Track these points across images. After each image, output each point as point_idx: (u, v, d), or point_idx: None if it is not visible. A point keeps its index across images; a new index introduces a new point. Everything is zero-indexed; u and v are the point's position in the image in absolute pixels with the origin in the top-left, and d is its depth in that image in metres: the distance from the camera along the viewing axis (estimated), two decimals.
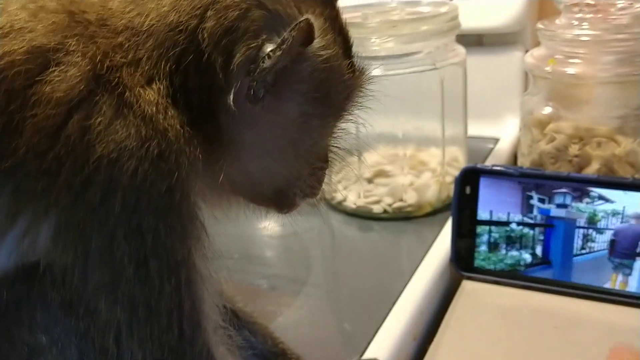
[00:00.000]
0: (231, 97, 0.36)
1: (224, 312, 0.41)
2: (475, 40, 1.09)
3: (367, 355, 0.55)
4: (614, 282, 0.62)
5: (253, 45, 0.36)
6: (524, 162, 0.74)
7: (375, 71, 0.77)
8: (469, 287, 0.67)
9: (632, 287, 0.61)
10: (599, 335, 0.58)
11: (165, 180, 0.34)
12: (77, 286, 0.34)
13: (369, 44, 0.78)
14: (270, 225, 0.87)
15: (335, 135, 0.45)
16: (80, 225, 0.33)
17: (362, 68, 0.43)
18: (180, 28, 0.36)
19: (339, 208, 0.87)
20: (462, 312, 0.63)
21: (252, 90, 0.36)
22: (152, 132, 0.33)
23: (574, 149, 0.65)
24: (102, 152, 0.33)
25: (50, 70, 0.33)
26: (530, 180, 0.64)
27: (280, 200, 0.44)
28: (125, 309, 0.34)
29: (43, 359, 0.34)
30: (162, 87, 0.35)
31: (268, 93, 0.37)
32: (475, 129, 1.00)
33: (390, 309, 0.61)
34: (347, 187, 0.87)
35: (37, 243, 0.34)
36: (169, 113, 0.35)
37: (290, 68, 0.37)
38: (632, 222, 0.61)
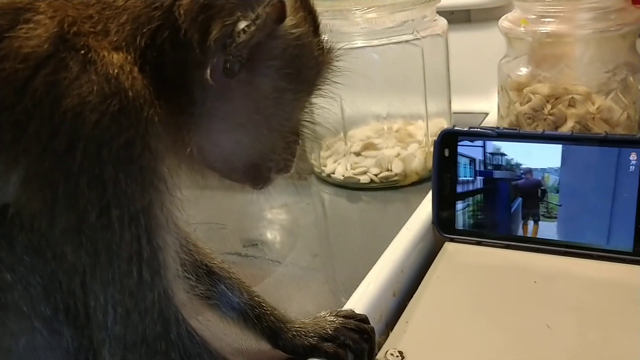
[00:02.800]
0: (208, 71, 0.38)
1: (185, 262, 0.43)
2: (464, 18, 1.10)
3: (345, 307, 0.56)
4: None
5: (229, 22, 0.37)
6: (502, 124, 0.75)
7: (358, 42, 0.80)
8: (451, 248, 0.69)
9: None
10: (576, 289, 0.59)
11: (124, 134, 0.35)
12: (45, 231, 0.36)
13: (351, 15, 0.80)
14: (260, 197, 0.89)
15: (307, 110, 0.47)
16: (48, 173, 0.35)
17: (331, 46, 0.45)
18: (156, 5, 0.38)
19: (328, 181, 0.89)
20: (443, 271, 0.65)
21: (228, 64, 0.38)
22: (114, 90, 0.35)
23: (548, 108, 0.66)
24: (67, 106, 0.34)
25: (19, 27, 0.35)
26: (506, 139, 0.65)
27: (254, 175, 0.46)
28: (89, 253, 0.36)
29: (9, 296, 0.36)
30: (129, 57, 0.37)
31: (243, 68, 0.39)
32: (465, 104, 1.01)
33: (371, 267, 0.63)
34: (337, 160, 0.89)
35: (7, 190, 0.36)
36: (133, 75, 0.36)
37: (264, 44, 0.39)
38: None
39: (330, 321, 0.51)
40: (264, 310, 0.52)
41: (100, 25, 0.37)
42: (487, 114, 1.05)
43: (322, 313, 0.53)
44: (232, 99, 0.40)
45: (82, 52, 0.36)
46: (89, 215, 0.35)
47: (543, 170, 0.65)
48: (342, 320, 0.51)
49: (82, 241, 0.36)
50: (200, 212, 0.85)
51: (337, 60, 0.46)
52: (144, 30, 0.37)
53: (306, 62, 0.42)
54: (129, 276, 0.36)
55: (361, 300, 0.57)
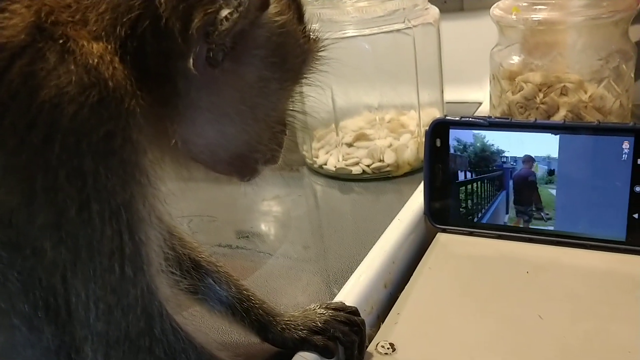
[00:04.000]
0: (191, 60, 0.37)
1: (169, 256, 0.42)
2: (457, 6, 1.09)
3: (336, 300, 0.56)
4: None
5: (211, 9, 0.36)
6: (494, 113, 0.74)
7: (349, 32, 0.79)
8: (443, 239, 0.68)
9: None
10: (568, 279, 0.59)
11: (104, 126, 0.34)
12: (23, 226, 0.35)
13: (342, 4, 0.79)
14: (251, 189, 0.89)
15: (294, 100, 0.46)
16: (25, 166, 0.34)
17: (317, 34, 0.44)
18: None
19: (320, 172, 0.88)
20: (435, 262, 0.64)
21: (211, 53, 0.37)
22: (94, 80, 0.34)
23: (540, 97, 0.65)
24: (45, 97, 0.33)
25: None
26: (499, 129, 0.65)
27: (241, 167, 0.45)
28: (69, 249, 0.35)
29: None
30: (109, 47, 0.36)
31: (227, 57, 0.38)
32: (459, 94, 1.01)
33: (363, 259, 0.62)
34: (329, 151, 0.88)
35: None
36: (113, 65, 0.35)
37: (248, 32, 0.38)
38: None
39: (320, 314, 0.50)
40: (253, 303, 0.51)
41: (78, 14, 0.36)
42: (480, 103, 1.04)
43: (312, 306, 0.52)
44: (216, 89, 0.39)
45: (60, 41, 0.35)
46: (69, 210, 0.34)
47: (535, 159, 0.64)
48: (332, 313, 0.51)
49: (61, 236, 0.35)
50: (191, 204, 0.84)
51: (323, 49, 0.45)
52: (124, 20, 0.36)
53: (291, 50, 0.41)
54: (111, 272, 0.36)
55: (352, 291, 0.57)
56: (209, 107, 0.39)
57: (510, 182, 0.66)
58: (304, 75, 0.44)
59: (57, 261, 0.35)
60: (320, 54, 0.45)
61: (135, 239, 0.36)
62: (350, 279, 0.59)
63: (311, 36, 0.44)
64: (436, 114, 0.89)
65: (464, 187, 0.68)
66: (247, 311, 0.51)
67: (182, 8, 0.36)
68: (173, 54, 0.37)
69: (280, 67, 0.41)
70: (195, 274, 0.50)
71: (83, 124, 0.34)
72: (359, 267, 0.61)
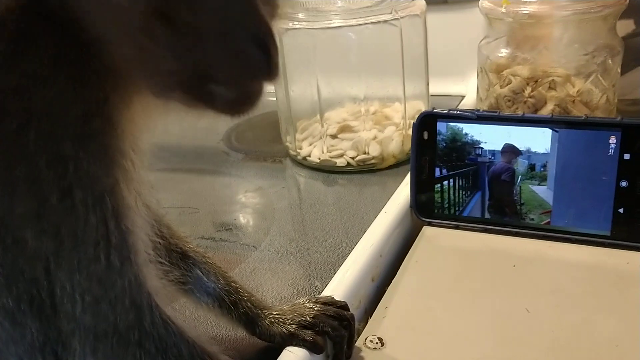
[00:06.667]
0: None
1: (158, 245, 0.40)
2: None
3: (323, 294, 0.55)
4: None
5: None
6: (482, 106, 0.74)
7: (335, 21, 0.78)
8: (429, 232, 0.68)
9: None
10: (554, 272, 0.59)
11: (80, 106, 0.33)
12: (3, 216, 0.33)
13: None
14: (235, 182, 0.88)
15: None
16: (3, 154, 0.32)
17: None
18: None
19: (304, 164, 0.87)
20: (422, 255, 0.64)
21: None
22: (63, 59, 0.33)
23: (528, 91, 0.65)
24: (12, 82, 0.32)
25: None
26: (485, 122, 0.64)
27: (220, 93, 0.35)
28: (52, 239, 0.33)
29: None
30: None
31: None
32: (442, 87, 1.01)
33: (349, 253, 0.62)
34: (312, 143, 0.87)
35: None
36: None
37: None
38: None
39: (309, 308, 0.50)
40: (241, 296, 0.50)
41: None
42: (463, 96, 1.04)
43: (301, 300, 0.51)
44: None
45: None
46: (50, 198, 0.33)
47: (521, 152, 0.64)
48: (321, 307, 0.50)
49: (43, 226, 0.33)
50: (173, 195, 0.83)
51: None
52: None
53: None
54: (97, 262, 0.34)
55: (340, 286, 0.56)
56: None
57: (496, 175, 0.66)
58: None
59: (39, 252, 0.33)
60: None
61: (122, 227, 0.35)
62: (337, 272, 0.58)
63: None
64: (421, 106, 0.88)
65: (447, 180, 0.67)
66: (234, 304, 0.49)
67: None
68: None
69: None
70: (182, 264, 0.49)
71: (57, 107, 0.32)
72: (346, 261, 0.60)
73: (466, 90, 1.05)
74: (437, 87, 0.97)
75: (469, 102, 1.01)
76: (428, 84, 0.88)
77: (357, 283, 0.58)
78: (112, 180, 0.34)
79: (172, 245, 0.48)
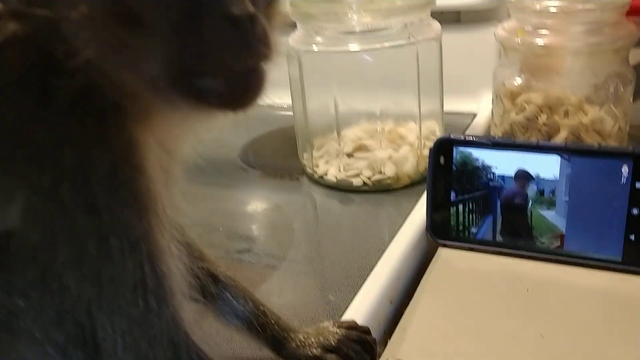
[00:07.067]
0: None
1: (194, 284, 0.42)
2: (453, 18, 1.11)
3: (344, 318, 0.57)
4: None
5: None
6: (496, 132, 0.76)
7: (353, 46, 0.80)
8: (445, 254, 0.70)
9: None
10: (568, 297, 0.61)
11: (108, 156, 0.34)
12: (46, 263, 0.35)
13: (347, 19, 0.80)
14: (254, 200, 0.90)
15: None
16: (42, 206, 0.34)
17: None
18: None
19: (320, 182, 0.89)
20: (438, 277, 0.66)
21: None
22: (86, 113, 0.33)
23: (542, 118, 0.67)
24: (44, 140, 0.33)
25: None
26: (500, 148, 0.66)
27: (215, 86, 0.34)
28: (92, 284, 0.35)
29: (22, 322, 0.35)
30: None
31: None
32: (454, 104, 1.02)
33: (368, 275, 0.64)
34: (329, 161, 0.89)
35: (7, 223, 0.35)
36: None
37: None
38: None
39: (333, 332, 0.52)
40: (268, 319, 0.52)
41: None
42: (475, 114, 1.06)
43: (325, 323, 0.54)
44: None
45: None
46: (88, 247, 0.34)
47: (535, 179, 0.66)
48: (345, 332, 0.52)
49: (84, 273, 0.35)
50: (193, 212, 0.85)
51: None
52: None
53: None
54: (135, 305, 0.36)
55: (360, 309, 0.58)
56: None
57: (498, 201, 0.68)
58: None
59: (81, 296, 0.35)
60: None
61: (157, 270, 0.36)
62: (357, 295, 0.60)
63: None
64: (435, 126, 0.90)
65: (461, 204, 0.69)
66: (263, 327, 0.52)
67: None
68: None
69: None
70: (213, 287, 0.51)
71: (87, 160, 0.34)
72: (365, 284, 0.62)
73: (478, 108, 1.07)
74: (449, 104, 0.99)
75: (482, 120, 1.03)
76: (442, 105, 0.90)
77: (376, 306, 0.60)
78: (144, 226, 0.36)
79: (204, 270, 0.51)
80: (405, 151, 0.88)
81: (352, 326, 0.53)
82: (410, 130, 0.91)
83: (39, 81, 0.33)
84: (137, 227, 0.35)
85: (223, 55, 0.31)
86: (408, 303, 0.62)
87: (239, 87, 0.33)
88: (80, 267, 0.35)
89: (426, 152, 0.85)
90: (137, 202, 0.35)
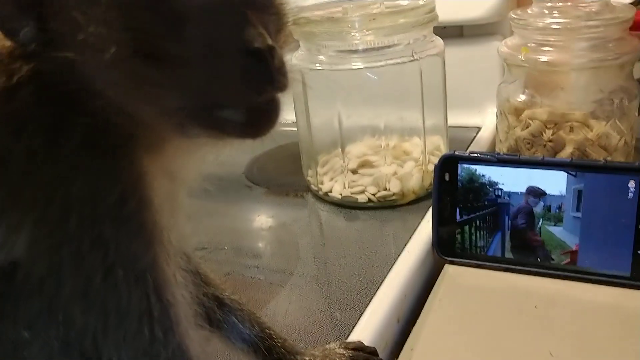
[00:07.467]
0: None
1: (199, 312, 0.42)
2: (456, 32, 1.11)
3: (351, 338, 0.57)
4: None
5: None
6: (501, 148, 0.76)
7: (357, 64, 0.81)
8: (451, 271, 0.70)
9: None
10: (576, 313, 0.60)
11: (116, 189, 0.34)
12: (53, 294, 0.35)
13: (350, 37, 0.80)
14: (259, 218, 0.90)
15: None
16: (49, 238, 0.34)
17: None
18: None
19: (325, 199, 0.89)
20: (444, 294, 0.65)
21: None
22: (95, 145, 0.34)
23: (548, 134, 0.67)
24: (52, 173, 0.33)
25: None
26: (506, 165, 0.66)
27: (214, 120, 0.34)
28: (98, 315, 0.35)
29: (27, 353, 0.35)
30: None
31: None
32: (458, 118, 1.02)
33: (374, 293, 0.63)
34: (333, 178, 0.89)
35: (14, 254, 0.35)
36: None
37: None
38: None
39: (340, 354, 0.52)
40: (275, 342, 0.52)
41: None
42: (479, 128, 1.06)
43: (332, 345, 0.53)
44: None
45: None
46: (94, 278, 0.34)
47: (544, 194, 0.66)
48: (351, 353, 0.52)
49: (90, 304, 0.35)
50: (198, 231, 0.85)
51: None
52: None
53: None
54: (141, 335, 0.36)
55: (367, 328, 0.58)
56: None
57: (507, 218, 0.67)
58: None
59: (87, 327, 0.35)
60: None
61: (163, 300, 0.36)
62: (363, 314, 0.60)
63: None
64: (440, 142, 0.90)
65: (467, 220, 0.69)
66: (269, 350, 0.51)
67: None
68: None
69: None
70: (219, 311, 0.51)
71: (94, 194, 0.34)
72: (371, 303, 0.62)
73: (482, 121, 1.07)
74: (454, 118, 0.99)
75: (486, 133, 1.03)
76: (447, 120, 0.90)
77: (383, 325, 0.59)
78: (151, 257, 0.36)
79: (209, 294, 0.50)
80: (410, 167, 0.87)
81: (359, 347, 0.53)
82: (414, 146, 0.91)
83: (53, 118, 0.33)
84: (143, 258, 0.35)
85: (245, 88, 0.32)
86: (415, 321, 0.62)
87: (260, 117, 0.34)
88: (86, 297, 0.35)
89: (431, 167, 0.85)
90: (144, 233, 0.35)
